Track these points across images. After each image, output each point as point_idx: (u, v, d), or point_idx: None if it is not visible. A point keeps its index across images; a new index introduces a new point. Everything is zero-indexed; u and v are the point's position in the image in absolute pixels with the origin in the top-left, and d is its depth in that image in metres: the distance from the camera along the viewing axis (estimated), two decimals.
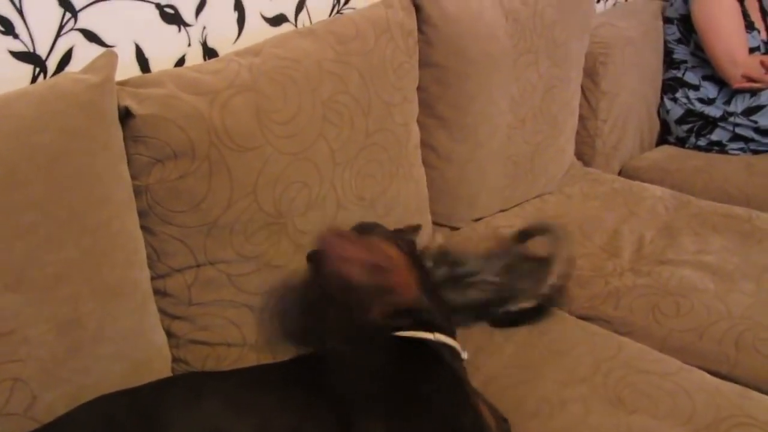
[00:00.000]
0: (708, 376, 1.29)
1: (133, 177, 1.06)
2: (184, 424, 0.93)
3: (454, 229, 1.77)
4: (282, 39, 1.25)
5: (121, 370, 1.06)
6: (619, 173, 2.27)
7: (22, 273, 0.91)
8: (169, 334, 1.19)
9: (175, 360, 1.21)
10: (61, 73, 1.05)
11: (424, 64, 1.54)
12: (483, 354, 1.33)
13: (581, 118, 2.13)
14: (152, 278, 1.15)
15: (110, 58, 1.01)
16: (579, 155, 2.19)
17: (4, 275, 0.89)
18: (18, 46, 1.03)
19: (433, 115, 1.61)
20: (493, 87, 1.65)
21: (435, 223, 1.73)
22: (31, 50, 1.05)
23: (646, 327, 1.45)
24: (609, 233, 1.75)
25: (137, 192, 1.07)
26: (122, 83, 1.05)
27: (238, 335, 1.22)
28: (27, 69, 1.05)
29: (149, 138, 1.03)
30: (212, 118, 1.07)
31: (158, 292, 1.16)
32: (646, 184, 2.02)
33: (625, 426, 1.15)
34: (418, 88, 1.56)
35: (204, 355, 1.21)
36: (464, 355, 1.17)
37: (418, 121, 1.58)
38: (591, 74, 2.08)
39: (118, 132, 1.01)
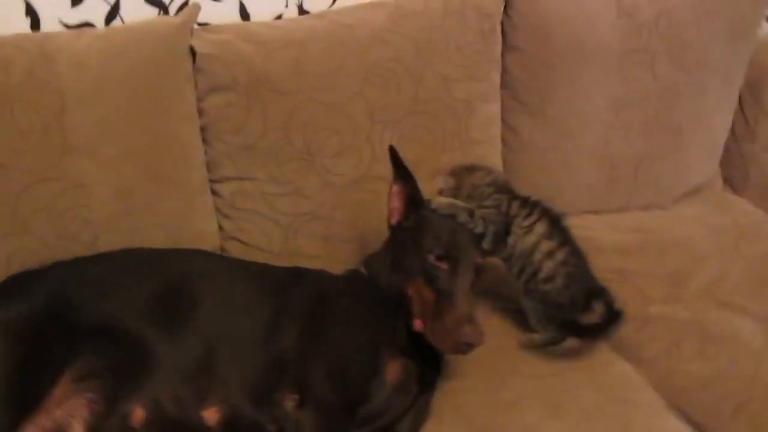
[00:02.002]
0: (677, 423, 1.21)
1: (198, 99, 1.38)
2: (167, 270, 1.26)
3: None
4: (351, 8, 1.45)
5: (165, 239, 1.40)
6: None
7: (97, 149, 1.30)
8: (221, 228, 1.52)
9: (222, 250, 1.54)
10: (158, 17, 1.41)
11: (509, 47, 1.60)
12: None
13: (735, 138, 1.92)
14: (212, 180, 1.47)
15: (193, 9, 1.34)
16: (729, 179, 1.97)
17: (84, 146, 1.29)
18: None
19: (515, 98, 1.66)
20: (584, 80, 1.62)
21: None
22: None
23: (653, 359, 1.36)
24: (690, 262, 1.61)
25: (201, 110, 1.40)
26: (202, 28, 1.37)
27: (266, 243, 1.49)
28: (154, 11, 1.43)
29: (205, 71, 1.34)
30: (255, 63, 1.34)
31: (215, 193, 1.48)
32: None
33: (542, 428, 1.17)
34: (504, 70, 1.62)
35: (241, 251, 1.51)
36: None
37: (502, 102, 1.65)
38: (754, 89, 1.86)
39: (185, 62, 1.34)
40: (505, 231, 1.33)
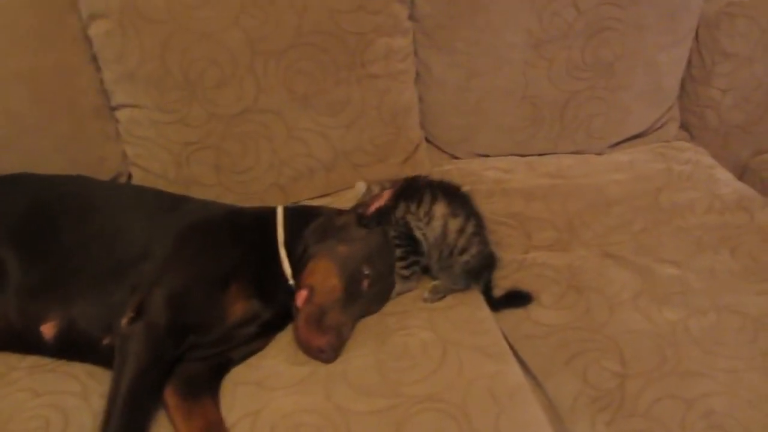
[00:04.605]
0: (502, 367, 1.17)
1: (84, 27, 1.43)
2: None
3: (454, 158, 1.74)
4: None
5: (64, 163, 1.47)
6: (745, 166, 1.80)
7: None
8: (124, 154, 1.58)
9: (129, 176, 1.60)
10: None
11: None
12: None
13: (691, 80, 1.75)
14: (111, 107, 1.53)
15: None
16: (686, 125, 1.81)
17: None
18: None
19: (424, 32, 1.59)
20: (492, 13, 1.53)
21: (429, 142, 1.73)
22: None
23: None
24: (593, 209, 1.51)
25: (89, 38, 1.44)
26: None
27: (162, 170, 1.54)
28: None
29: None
30: None
31: (115, 119, 1.54)
32: (727, 175, 1.62)
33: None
34: (414, 5, 1.56)
35: (142, 177, 1.56)
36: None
37: (414, 36, 1.59)
38: (711, 27, 1.67)
39: None
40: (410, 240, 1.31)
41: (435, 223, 1.30)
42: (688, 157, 1.68)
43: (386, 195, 1.33)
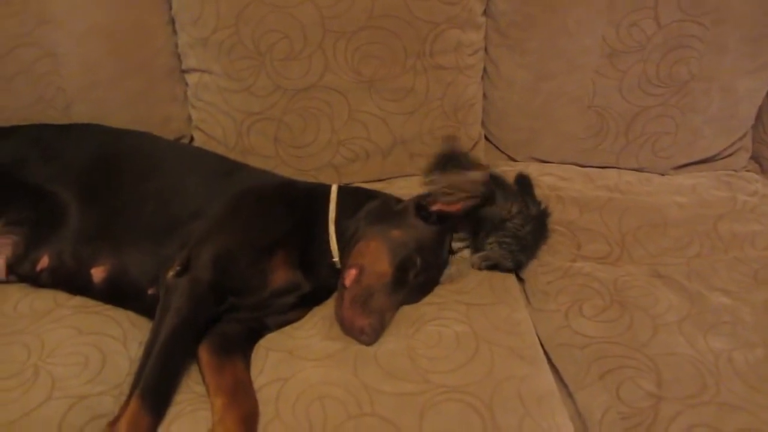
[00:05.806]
0: (531, 370, 1.14)
1: None
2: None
3: (512, 160, 1.72)
4: None
5: (131, 119, 1.53)
6: None
7: (68, 21, 1.44)
8: (189, 117, 1.63)
9: (191, 138, 1.65)
10: None
11: None
12: None
13: None
14: (183, 70, 1.58)
15: None
16: (757, 157, 1.75)
17: (57, 18, 1.43)
18: None
19: (497, 29, 1.58)
20: (569, 17, 1.50)
21: (488, 141, 1.72)
22: None
23: (552, 311, 1.28)
24: (650, 228, 1.47)
25: (168, 1, 1.49)
26: None
27: (222, 136, 1.57)
28: None
29: None
30: None
31: (185, 82, 1.59)
32: None
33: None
34: (490, 1, 1.55)
35: (204, 141, 1.61)
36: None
37: (486, 32, 1.58)
38: None
39: None
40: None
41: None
42: (756, 189, 1.62)
43: (459, 206, 1.28)
